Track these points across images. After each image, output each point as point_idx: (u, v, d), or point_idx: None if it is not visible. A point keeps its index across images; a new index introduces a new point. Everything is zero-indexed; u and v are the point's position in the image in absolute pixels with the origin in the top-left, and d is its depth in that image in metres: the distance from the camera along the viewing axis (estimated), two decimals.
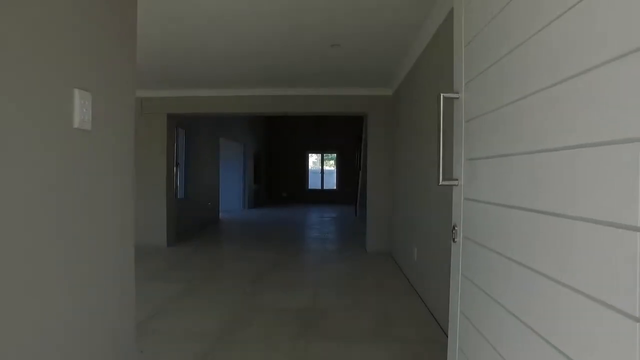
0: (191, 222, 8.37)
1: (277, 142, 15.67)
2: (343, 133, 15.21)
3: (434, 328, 3.06)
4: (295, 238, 7.33)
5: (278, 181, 15.64)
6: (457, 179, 1.44)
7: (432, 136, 3.35)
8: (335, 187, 15.72)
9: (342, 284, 4.27)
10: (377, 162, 5.94)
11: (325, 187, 15.78)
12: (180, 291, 3.91)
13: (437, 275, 3.18)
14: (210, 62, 4.69)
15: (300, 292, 3.94)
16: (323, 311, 3.44)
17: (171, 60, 4.66)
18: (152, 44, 4.14)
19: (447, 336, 1.58)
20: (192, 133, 8.51)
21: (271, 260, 5.35)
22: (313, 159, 16.45)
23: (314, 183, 15.85)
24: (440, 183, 1.46)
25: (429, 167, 3.44)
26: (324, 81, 5.52)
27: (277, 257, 5.60)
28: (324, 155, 15.95)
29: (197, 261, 5.30)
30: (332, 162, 17.25)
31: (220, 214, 10.50)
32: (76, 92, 1.26)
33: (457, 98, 1.42)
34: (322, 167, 15.89)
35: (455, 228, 1.45)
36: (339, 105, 6.01)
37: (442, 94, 1.38)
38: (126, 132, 1.60)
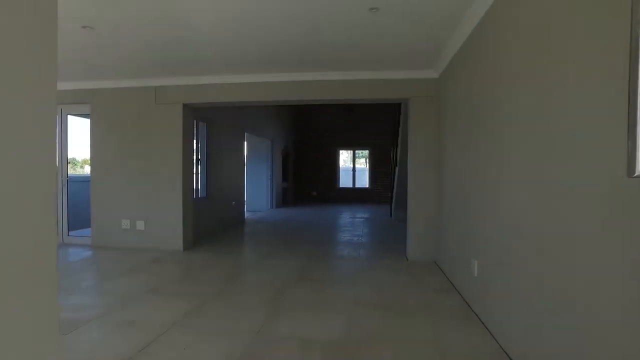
0: (213, 223, 7.77)
1: (307, 138, 14.97)
2: (376, 128, 14.37)
3: None
4: (325, 242, 6.58)
5: (307, 179, 14.94)
6: None
7: (508, 127, 2.52)
8: (367, 186, 14.87)
9: (381, 304, 3.47)
10: (420, 157, 5.10)
11: (357, 186, 14.96)
12: (183, 313, 3.22)
13: (517, 303, 2.34)
14: (230, 41, 3.99)
15: (330, 315, 3.18)
16: (359, 345, 2.66)
17: (185, 41, 4.00)
18: (162, 23, 3.48)
19: None
20: (214, 127, 7.91)
21: (297, 270, 4.62)
22: (344, 156, 15.64)
23: (345, 181, 15.06)
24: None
25: (506, 162, 2.61)
26: (359, 62, 4.73)
27: (304, 265, 4.86)
28: (356, 151, 15.11)
29: (213, 270, 4.63)
30: (364, 159, 16.40)
31: (245, 214, 9.89)
32: None
33: None
34: (353, 164, 15.06)
35: None
36: (376, 91, 5.20)
37: None
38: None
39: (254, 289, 3.90)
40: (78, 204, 6.30)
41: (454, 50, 3.95)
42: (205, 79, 5.47)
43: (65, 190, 6.18)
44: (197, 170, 7.45)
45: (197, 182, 7.47)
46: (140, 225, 5.76)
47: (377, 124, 14.33)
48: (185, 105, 5.68)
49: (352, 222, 9.06)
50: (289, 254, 5.51)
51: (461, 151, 3.73)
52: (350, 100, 5.49)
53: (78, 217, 6.30)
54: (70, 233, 6.24)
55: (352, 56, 4.48)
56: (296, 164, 14.87)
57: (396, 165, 9.09)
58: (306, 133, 14.96)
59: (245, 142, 11.09)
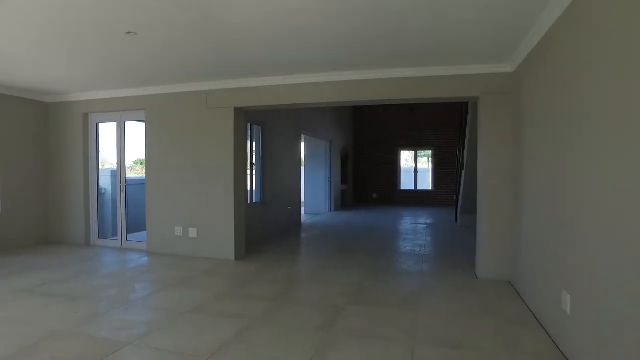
0: (268, 228, 7.59)
1: (367, 138, 14.48)
2: (440, 127, 13.57)
3: None
4: (384, 252, 6.10)
5: (367, 181, 14.45)
6: None
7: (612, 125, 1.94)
8: (430, 188, 14.08)
9: (449, 340, 2.96)
10: (492, 161, 4.48)
11: (419, 188, 14.21)
12: (224, 340, 2.94)
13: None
14: (283, 40, 3.67)
15: (388, 350, 2.75)
16: None
17: (238, 42, 3.75)
18: (210, 24, 3.24)
19: None
20: (269, 130, 7.72)
21: (353, 286, 4.21)
22: (405, 156, 14.94)
23: (406, 183, 14.37)
24: None
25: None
26: (422, 57, 4.21)
27: (360, 281, 4.44)
28: (418, 152, 14.37)
29: (263, 285, 4.35)
30: (427, 159, 15.59)
31: (302, 218, 9.65)
32: None
33: None
34: (415, 166, 14.34)
35: None
36: (441, 89, 4.64)
37: None
38: None
39: (304, 311, 3.55)
40: (138, 205, 6.34)
41: (536, 38, 3.33)
42: (257, 81, 5.22)
43: (123, 195, 6.26)
44: (252, 174, 7.31)
45: (252, 186, 7.33)
46: (192, 232, 5.66)
47: (441, 123, 13.52)
48: (236, 109, 5.48)
49: (414, 229, 8.47)
50: (345, 266, 5.11)
51: (552, 154, 3.10)
52: (409, 100, 4.98)
53: (138, 219, 6.34)
54: (129, 237, 6.31)
55: (415, 48, 3.97)
56: (355, 166, 14.44)
57: (462, 168, 8.36)
58: (366, 133, 14.47)
59: (303, 144, 10.88)
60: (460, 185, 8.77)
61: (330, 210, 11.76)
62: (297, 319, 3.35)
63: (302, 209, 10.49)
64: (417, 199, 14.03)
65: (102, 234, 6.54)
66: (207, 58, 4.34)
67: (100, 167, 6.59)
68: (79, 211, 6.38)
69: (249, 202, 7.08)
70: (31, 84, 5.62)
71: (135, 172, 11.16)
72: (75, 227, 6.42)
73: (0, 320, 3.27)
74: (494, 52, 4.01)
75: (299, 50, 4.04)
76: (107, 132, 6.47)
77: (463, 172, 8.23)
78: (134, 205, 6.45)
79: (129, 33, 3.53)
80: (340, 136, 12.74)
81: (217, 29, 3.44)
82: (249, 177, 7.11)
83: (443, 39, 3.64)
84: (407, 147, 14.19)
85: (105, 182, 6.84)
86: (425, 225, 9.03)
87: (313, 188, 11.66)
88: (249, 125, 7.00)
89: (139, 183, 6.50)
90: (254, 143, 7.41)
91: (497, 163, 4.44)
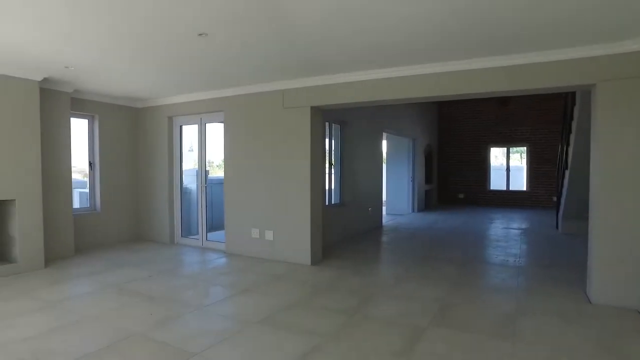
0: (347, 231, 7.33)
1: (452, 135, 13.57)
2: (535, 120, 12.28)
3: None
4: (472, 261, 5.51)
5: (453, 180, 13.54)
6: None
7: None
8: (524, 188, 12.78)
9: None
10: (618, 160, 3.69)
11: (511, 188, 12.99)
12: None
13: None
14: (361, 32, 3.36)
15: None
16: None
17: (313, 38, 3.50)
18: (286, 20, 3.04)
19: None
20: (349, 128, 7.45)
21: (436, 303, 3.76)
22: (495, 153, 13.74)
23: (497, 182, 13.21)
24: None
25: None
26: (516, 42, 3.62)
27: (444, 297, 3.97)
28: (510, 148, 13.12)
29: (337, 296, 4.07)
30: (519, 155, 14.22)
31: (383, 219, 9.24)
32: None
33: None
34: (507, 163, 13.12)
35: None
36: (542, 78, 3.97)
37: None
38: None
39: (381, 330, 3.20)
40: (222, 205, 6.42)
41: None
42: (333, 78, 4.95)
43: (204, 195, 6.39)
44: (330, 175, 7.09)
45: (330, 187, 7.11)
46: (269, 235, 5.57)
47: (536, 116, 12.21)
48: (313, 108, 5.27)
49: (506, 235, 7.64)
50: (427, 278, 4.65)
51: None
52: (502, 92, 4.35)
53: (222, 218, 6.42)
54: (210, 236, 6.43)
55: (505, 34, 3.41)
56: (440, 164, 13.62)
57: (566, 168, 7.35)
58: (452, 129, 13.56)
59: (384, 142, 10.45)
60: (562, 186, 7.73)
61: (413, 211, 11.18)
62: (373, 339, 3.02)
63: (384, 209, 10.08)
64: (508, 200, 12.83)
65: (187, 232, 6.77)
66: (282, 56, 4.16)
67: (185, 168, 6.84)
68: (164, 210, 6.67)
69: (327, 203, 6.89)
70: (125, 92, 5.96)
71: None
72: (161, 225, 6.72)
73: (83, 317, 3.39)
74: (614, 27, 3.28)
75: (378, 43, 3.68)
76: (206, 133, 6.66)
77: (567, 172, 7.23)
78: (218, 204, 6.54)
79: (201, 35, 3.45)
80: (424, 133, 12.06)
81: (290, 25, 3.22)
82: (327, 177, 6.91)
83: (544, 17, 3.05)
84: (498, 143, 13.02)
85: (191, 181, 7.08)
86: (519, 231, 8.12)
87: (395, 188, 11.17)
88: (327, 124, 6.79)
89: (222, 182, 6.60)
90: (333, 142, 7.18)
91: (620, 164, 3.67)
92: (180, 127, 6.61)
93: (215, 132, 6.46)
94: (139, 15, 3.03)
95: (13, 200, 4.78)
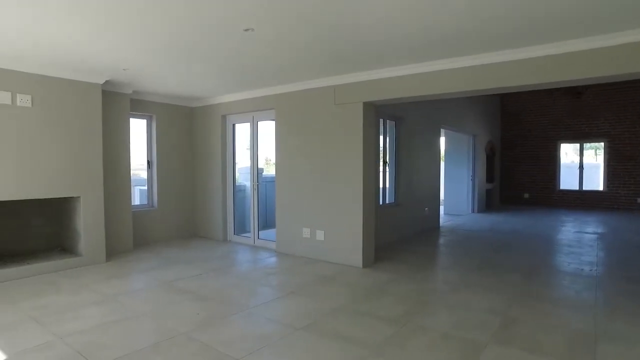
0: (401, 232, 7.04)
1: (517, 130, 12.71)
2: (614, 113, 11.15)
3: None
4: (539, 269, 5.03)
5: (518, 179, 12.69)
6: None
7: None
8: (601, 188, 11.67)
9: None
10: None
11: (584, 188, 11.91)
12: None
13: None
14: (415, 19, 3.12)
15: None
16: None
17: (362, 28, 3.31)
18: (330, 10, 2.89)
19: None
20: (404, 124, 7.14)
21: (497, 315, 3.43)
22: (565, 149, 12.67)
23: (567, 181, 12.18)
24: None
25: None
26: (593, 18, 3.18)
27: (507, 308, 3.61)
28: (583, 144, 12.02)
29: (386, 302, 3.85)
30: (593, 152, 13.01)
31: (441, 220, 8.81)
32: None
33: None
34: (580, 161, 12.05)
35: None
36: (618, 64, 3.48)
37: None
38: None
39: (434, 343, 2.95)
40: (272, 203, 6.40)
41: None
42: (387, 72, 4.71)
43: (256, 194, 6.40)
44: (385, 173, 6.84)
45: (385, 186, 6.86)
46: (320, 235, 5.45)
47: (616, 108, 11.08)
48: (366, 104, 5.06)
49: (579, 240, 6.96)
50: (487, 286, 4.29)
51: None
52: (580, 81, 3.87)
53: (273, 216, 6.41)
54: (261, 234, 6.43)
55: (576, 14, 3.00)
56: (504, 162, 12.81)
57: None
58: (516, 124, 12.70)
59: (442, 139, 9.98)
60: None
61: (472, 212, 10.59)
62: (424, 354, 2.77)
63: (441, 209, 9.62)
64: (581, 201, 11.78)
65: (241, 230, 6.83)
66: (333, 50, 4.00)
67: (241, 166, 6.90)
68: (217, 208, 6.77)
69: (380, 203, 6.65)
70: (180, 92, 6.10)
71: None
72: (215, 223, 6.83)
73: (135, 313, 3.46)
74: None
75: (442, 33, 3.40)
76: (257, 131, 6.70)
77: None
78: (272, 202, 6.53)
79: (246, 30, 3.37)
80: (486, 129, 11.38)
81: (343, 16, 3.04)
82: (381, 176, 6.67)
83: None
84: (569, 138, 11.98)
85: (246, 179, 7.13)
86: (595, 236, 7.37)
87: (454, 187, 10.65)
88: (381, 120, 6.54)
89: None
90: (387, 139, 6.91)
91: None
92: (233, 125, 6.67)
93: (271, 130, 6.45)
94: (184, 14, 3.00)
95: (78, 197, 5.04)
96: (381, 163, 6.66)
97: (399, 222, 7.02)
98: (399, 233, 6.97)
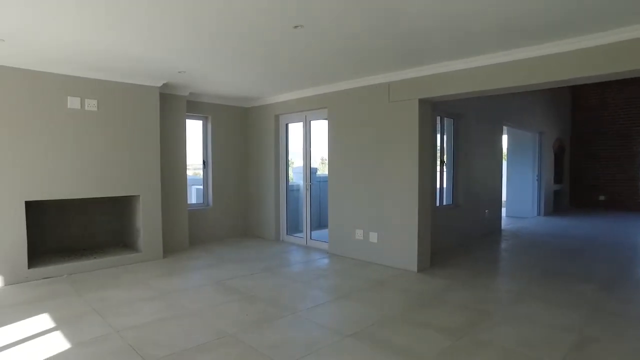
0: (460, 236, 6.69)
1: (591, 126, 11.66)
2: None
3: None
4: (619, 282, 4.52)
5: (591, 180, 11.65)
6: None
7: None
8: None
9: None
10: None
11: None
12: None
13: None
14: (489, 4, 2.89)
15: None
16: None
17: (427, 19, 3.13)
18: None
19: None
20: (463, 122, 6.78)
21: (568, 333, 3.09)
22: None
23: None
24: None
25: None
26: None
27: (581, 325, 3.25)
28: None
29: (441, 312, 3.62)
30: None
31: (503, 223, 8.29)
32: None
33: None
34: None
35: None
36: None
37: None
38: None
39: None
40: (326, 202, 6.32)
41: None
42: (444, 66, 4.45)
43: (308, 194, 6.35)
44: (442, 173, 6.52)
45: (442, 187, 6.54)
46: (373, 237, 5.28)
47: None
48: (421, 101, 4.82)
49: None
50: (556, 299, 3.91)
51: None
52: None
53: (327, 216, 6.33)
54: (314, 235, 6.37)
55: None
56: (575, 161, 11.83)
57: None
58: (590, 119, 11.64)
59: (505, 137, 9.40)
60: None
61: (538, 215, 9.88)
62: None
63: (503, 211, 9.05)
64: None
65: (294, 230, 6.82)
66: (386, 45, 3.82)
67: (295, 165, 6.89)
68: (270, 208, 6.80)
69: (437, 204, 6.34)
70: (234, 93, 6.19)
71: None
72: (268, 222, 6.87)
73: (186, 311, 3.51)
74: None
75: (506, 18, 3.13)
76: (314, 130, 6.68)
77: None
78: (326, 201, 6.46)
79: (296, 27, 3.30)
80: (554, 125, 10.56)
81: (396, 7, 2.88)
82: (438, 176, 6.37)
83: None
84: None
85: (299, 179, 7.12)
86: None
87: (517, 188, 10.00)
88: (438, 118, 6.24)
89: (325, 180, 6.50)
90: (445, 138, 6.59)
91: None
92: (287, 125, 6.67)
93: (326, 129, 6.37)
94: (232, 13, 2.98)
95: (138, 196, 5.26)
96: (438, 163, 6.35)
97: (457, 225, 6.66)
98: (456, 236, 6.62)
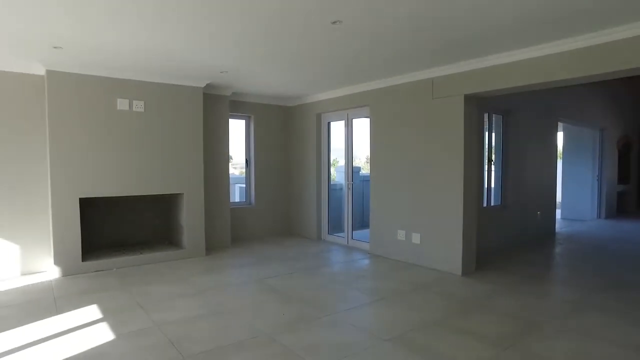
0: (508, 238, 6.34)
1: None
2: None
3: None
4: None
5: None
6: None
7: None
8: None
9: None
10: None
11: None
12: None
13: None
14: None
15: None
16: None
17: (472, 10, 2.98)
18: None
19: None
20: (513, 118, 6.43)
21: (636, 354, 2.81)
22: None
23: None
24: None
25: None
26: None
27: None
28: None
29: (486, 319, 3.42)
30: None
31: (557, 225, 7.79)
32: None
33: None
34: None
35: None
36: None
37: None
38: None
39: None
40: (368, 202, 6.21)
41: None
42: (491, 59, 4.22)
43: (350, 193, 6.26)
44: (490, 172, 6.21)
45: (490, 187, 6.23)
46: (415, 238, 5.11)
47: None
48: (467, 97, 4.60)
49: None
50: (618, 311, 3.58)
51: None
52: None
53: (367, 216, 6.23)
54: (355, 235, 6.28)
55: None
56: None
57: None
58: None
59: (560, 134, 8.83)
60: None
61: (598, 217, 9.21)
62: None
63: (558, 213, 8.51)
64: None
65: (336, 229, 6.76)
66: (429, 39, 3.67)
67: (338, 165, 6.83)
68: (312, 207, 6.78)
69: (485, 205, 6.05)
70: (276, 92, 6.23)
71: None
72: (309, 221, 6.85)
73: (224, 308, 3.54)
74: None
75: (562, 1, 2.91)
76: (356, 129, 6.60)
77: None
78: (368, 201, 6.35)
79: (334, 23, 3.23)
80: (617, 121, 9.78)
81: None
82: (485, 175, 6.07)
83: None
84: None
85: (342, 178, 7.05)
86: None
87: (574, 188, 9.38)
88: (486, 115, 5.95)
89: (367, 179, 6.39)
90: (494, 135, 6.27)
91: None
92: (329, 123, 6.62)
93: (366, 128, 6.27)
94: (270, 9, 2.95)
95: (182, 194, 5.40)
96: (486, 161, 6.05)
97: (506, 227, 6.32)
98: (505, 238, 6.28)
